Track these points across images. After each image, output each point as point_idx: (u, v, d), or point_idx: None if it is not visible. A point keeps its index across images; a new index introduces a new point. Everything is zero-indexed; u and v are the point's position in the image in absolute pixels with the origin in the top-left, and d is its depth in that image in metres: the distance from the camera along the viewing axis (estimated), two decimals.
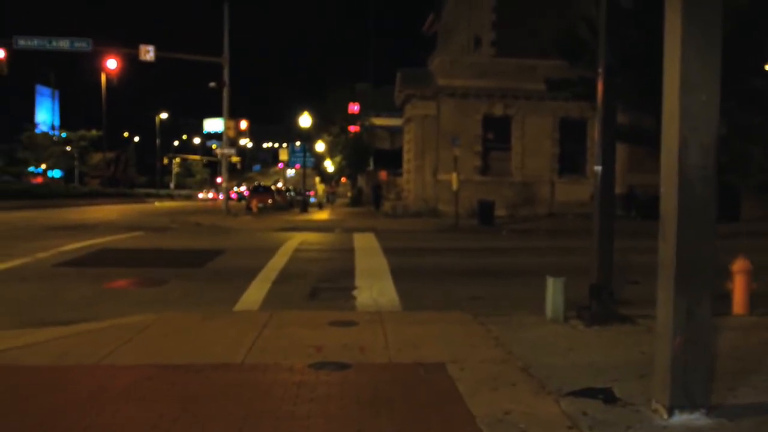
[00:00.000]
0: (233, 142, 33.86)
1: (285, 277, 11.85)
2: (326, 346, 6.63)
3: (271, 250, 15.63)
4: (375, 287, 10.76)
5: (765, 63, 26.50)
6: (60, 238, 18.26)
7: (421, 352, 6.48)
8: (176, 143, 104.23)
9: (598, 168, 8.20)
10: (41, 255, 14.20)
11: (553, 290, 8.26)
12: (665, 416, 4.77)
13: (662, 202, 5.03)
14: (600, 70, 8.23)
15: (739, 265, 8.76)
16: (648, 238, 15.47)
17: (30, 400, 5.07)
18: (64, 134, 55.75)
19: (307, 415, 4.78)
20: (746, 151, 26.82)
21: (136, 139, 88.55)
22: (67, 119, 69.07)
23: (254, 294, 10.10)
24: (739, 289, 8.71)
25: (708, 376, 5.15)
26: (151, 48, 27.40)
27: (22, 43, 27.75)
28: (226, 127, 30.05)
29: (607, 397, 5.28)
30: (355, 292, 10.39)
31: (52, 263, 13.13)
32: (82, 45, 27.81)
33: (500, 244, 19.08)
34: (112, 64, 28.10)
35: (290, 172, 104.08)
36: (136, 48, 27.47)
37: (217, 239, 19.30)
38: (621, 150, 28.66)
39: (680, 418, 4.73)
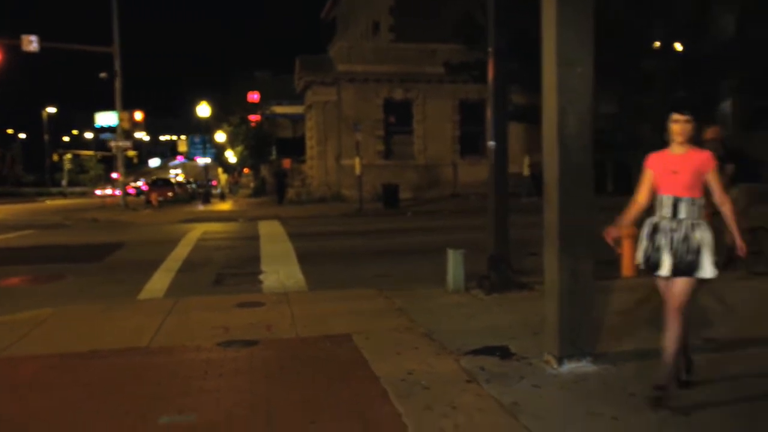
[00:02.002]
0: (128, 135, 32.72)
1: (189, 266, 11.72)
2: (233, 326, 6.69)
3: (173, 242, 15.36)
4: (281, 271, 10.83)
5: (656, 45, 28.00)
6: None
7: (328, 326, 6.65)
8: (67, 138, 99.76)
9: (492, 143, 8.58)
10: None
11: (454, 262, 8.59)
12: (555, 366, 5.15)
13: (545, 170, 5.40)
14: (490, 51, 8.60)
15: (626, 231, 9.37)
16: (536, 213, 16.09)
17: None
18: None
19: (217, 389, 4.86)
20: (638, 130, 28.33)
21: (22, 136, 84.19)
22: None
23: (157, 283, 9.97)
24: (627, 253, 9.31)
25: (595, 330, 5.58)
26: (34, 38, 26.02)
27: None
28: (120, 119, 29.01)
29: (503, 353, 5.62)
30: (261, 277, 10.42)
31: None
32: None
33: (405, 225, 19.46)
34: None
35: (200, 162, 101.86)
36: (18, 38, 26.08)
37: (115, 234, 18.74)
38: (520, 130, 29.71)
39: (569, 366, 5.12)
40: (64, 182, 67.02)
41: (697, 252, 4.19)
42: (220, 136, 53.26)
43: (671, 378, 4.34)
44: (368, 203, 26.98)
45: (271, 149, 49.85)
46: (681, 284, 4.25)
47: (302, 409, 4.43)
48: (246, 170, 59.84)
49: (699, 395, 4.50)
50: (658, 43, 28.57)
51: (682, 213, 4.24)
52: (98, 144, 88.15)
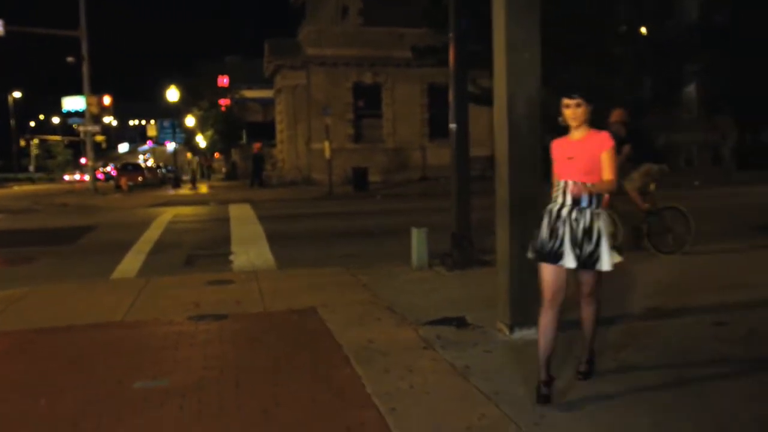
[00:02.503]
0: (97, 120, 32.54)
1: (160, 247, 11.93)
2: (204, 302, 6.98)
3: (143, 225, 15.52)
4: (251, 251, 11.10)
5: (622, 29, 28.47)
6: None
7: (294, 301, 6.96)
8: (33, 124, 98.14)
9: (453, 126, 8.91)
10: None
11: (417, 240, 8.93)
12: (507, 333, 5.53)
13: (496, 149, 5.75)
14: (450, 36, 8.90)
15: None
16: None
17: None
18: None
19: (188, 357, 5.16)
20: (605, 113, 28.85)
21: None
22: None
23: (129, 264, 10.19)
24: None
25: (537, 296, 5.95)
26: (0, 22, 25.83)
27: None
28: (89, 104, 28.85)
29: (460, 323, 5.99)
30: (231, 257, 10.68)
31: None
32: None
33: (374, 207, 19.76)
34: None
35: (170, 147, 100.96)
36: None
37: (86, 218, 18.79)
38: (487, 113, 30.03)
39: (519, 333, 5.50)
40: (31, 168, 66.20)
41: (597, 244, 4.02)
42: (189, 121, 53.01)
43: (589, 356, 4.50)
44: (338, 186, 27.25)
45: (241, 133, 49.81)
46: (589, 275, 4.19)
47: (269, 374, 4.75)
48: (216, 155, 59.64)
49: (631, 357, 4.90)
50: (624, 27, 29.10)
51: (584, 201, 4.04)
52: (65, 129, 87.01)
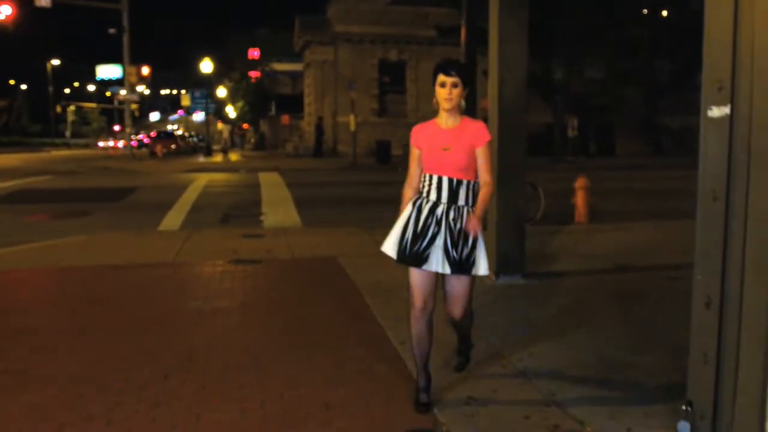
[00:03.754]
0: (134, 89, 33.98)
1: (198, 207, 13.23)
2: (241, 250, 8.22)
3: (181, 188, 16.86)
4: (280, 213, 12.34)
5: (639, 13, 29.11)
6: None
7: (318, 251, 8.17)
8: (68, 91, 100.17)
9: (462, 104, 9.96)
10: None
11: None
12: (493, 279, 6.67)
13: (489, 125, 6.83)
14: (463, 18, 9.90)
15: (580, 183, 10.86)
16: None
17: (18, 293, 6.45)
18: None
19: (231, 288, 6.39)
20: (622, 94, 29.60)
21: (23, 87, 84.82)
22: None
23: (172, 220, 11.49)
24: (579, 201, 10.80)
25: (535, 257, 7.12)
26: None
27: None
28: (128, 74, 30.31)
29: None
30: (262, 217, 11.94)
31: None
32: None
33: (394, 178, 20.82)
34: (6, 10, 27.64)
35: (196, 117, 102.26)
36: None
37: (128, 180, 20.24)
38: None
39: (503, 279, 6.64)
40: (67, 133, 68.24)
41: (474, 246, 3.53)
42: (221, 92, 54.35)
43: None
44: (362, 158, 28.39)
45: (270, 105, 51.03)
46: (460, 283, 3.63)
47: (295, 301, 5.96)
48: (245, 126, 60.98)
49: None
50: (646, 11, 29.71)
51: (461, 199, 3.53)
52: (100, 97, 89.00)
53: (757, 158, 3.02)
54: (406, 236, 3.58)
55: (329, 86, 34.55)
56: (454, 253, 3.50)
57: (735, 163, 3.13)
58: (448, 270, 3.53)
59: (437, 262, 3.53)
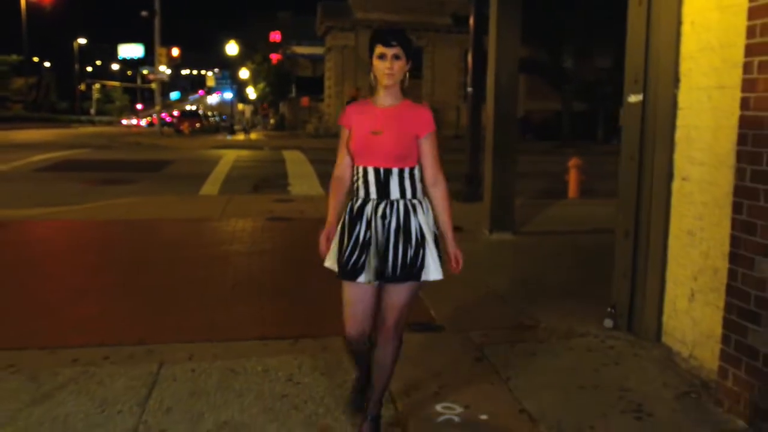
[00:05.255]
0: (164, 69, 35.45)
1: (231, 179, 14.67)
2: (275, 210, 9.63)
3: (212, 162, 18.32)
4: (305, 184, 13.75)
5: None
6: (18, 152, 20.36)
7: None
8: (90, 69, 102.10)
9: (470, 89, 11.27)
10: (15, 164, 16.51)
11: None
12: (488, 234, 8.03)
13: (486, 108, 8.19)
14: (472, 8, 11.10)
15: (572, 162, 12.19)
16: (532, 154, 19.41)
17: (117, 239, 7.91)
18: None
19: (271, 237, 7.80)
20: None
21: (47, 64, 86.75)
22: None
23: (210, 188, 12.94)
24: (572, 179, 12.12)
25: (524, 220, 8.47)
26: None
27: None
28: (159, 54, 31.82)
29: (457, 230, 8.45)
30: (289, 187, 13.36)
31: (30, 169, 15.51)
32: None
33: None
34: None
35: (211, 99, 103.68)
36: None
37: (161, 154, 21.75)
38: (519, 80, 32.08)
39: (496, 235, 7.99)
40: (92, 111, 70.08)
41: (419, 245, 2.89)
42: (244, 73, 55.78)
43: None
44: None
45: (290, 87, 52.36)
46: (403, 293, 2.95)
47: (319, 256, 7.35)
48: (264, 106, 62.38)
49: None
50: None
51: (394, 192, 2.90)
52: (123, 75, 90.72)
53: (659, 130, 4.36)
54: (343, 244, 2.95)
55: (349, 70, 35.90)
56: (395, 257, 2.86)
57: (645, 133, 4.48)
58: (373, 278, 2.91)
59: (370, 272, 2.90)
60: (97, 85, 72.02)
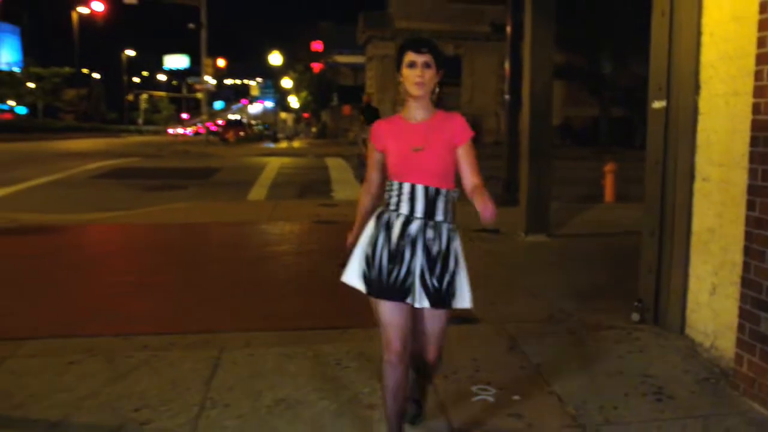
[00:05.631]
0: (210, 80, 36.50)
1: (276, 185, 15.21)
2: (321, 214, 10.06)
3: (258, 169, 18.93)
4: (347, 190, 14.20)
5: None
6: (74, 160, 21.30)
7: None
8: (137, 80, 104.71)
9: (507, 96, 11.59)
10: (72, 171, 17.35)
11: None
12: (523, 236, 8.33)
13: (522, 114, 8.50)
14: (509, 16, 11.42)
15: (608, 167, 12.41)
16: (570, 160, 19.54)
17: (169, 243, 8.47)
18: (24, 70, 57.07)
19: (317, 238, 8.23)
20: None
21: (96, 76, 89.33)
22: (27, 57, 69.82)
23: (257, 193, 13.48)
24: (608, 183, 12.34)
25: (559, 223, 8.75)
26: None
27: None
28: (205, 65, 32.81)
29: (495, 232, 8.81)
30: (332, 193, 13.82)
31: (87, 176, 16.30)
32: None
33: None
34: (98, 6, 30.35)
35: (253, 108, 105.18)
36: None
37: (209, 161, 22.49)
38: (558, 86, 32.17)
39: (531, 237, 8.29)
40: (140, 121, 72.14)
41: (455, 272, 2.84)
42: (287, 83, 56.81)
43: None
44: None
45: (332, 96, 53.12)
46: (442, 319, 2.96)
47: None
48: (305, 115, 63.32)
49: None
50: None
51: (440, 213, 2.82)
52: (169, 86, 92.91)
53: (681, 134, 4.65)
54: (377, 261, 2.80)
55: (390, 79, 36.35)
56: (434, 282, 2.78)
57: (668, 137, 4.78)
58: (426, 303, 2.80)
59: (415, 295, 2.79)
60: (144, 96, 74.05)
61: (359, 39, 40.92)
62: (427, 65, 2.79)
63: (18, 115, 57.84)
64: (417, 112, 2.86)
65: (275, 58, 39.77)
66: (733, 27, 4.13)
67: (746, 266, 3.75)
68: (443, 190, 2.82)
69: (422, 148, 2.79)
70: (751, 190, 3.72)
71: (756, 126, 3.68)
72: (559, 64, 28.41)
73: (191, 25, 32.22)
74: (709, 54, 4.41)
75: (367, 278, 2.85)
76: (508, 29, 11.42)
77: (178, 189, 14.08)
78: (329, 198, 13.02)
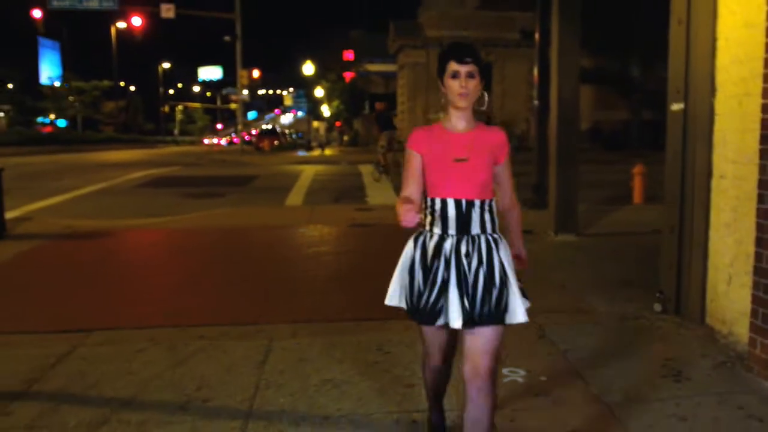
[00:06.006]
0: (245, 90, 37.32)
1: (312, 191, 15.66)
2: (357, 218, 10.45)
3: (294, 176, 19.43)
4: (381, 195, 14.58)
5: None
6: (116, 170, 22.05)
7: None
8: (172, 91, 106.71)
9: (536, 102, 11.87)
10: (116, 181, 18.02)
11: None
12: (553, 236, 8.62)
13: (549, 120, 8.80)
14: (537, 24, 11.70)
15: (637, 170, 12.61)
16: (600, 164, 19.69)
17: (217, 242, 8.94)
18: (67, 84, 58.76)
19: (355, 240, 8.62)
20: None
21: (132, 88, 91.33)
22: (67, 72, 71.72)
23: (294, 199, 13.93)
24: (636, 185, 12.54)
25: (588, 223, 9.02)
26: (171, 6, 30.68)
27: (56, 3, 30.97)
28: (241, 76, 33.61)
29: (527, 232, 9.08)
30: (367, 198, 14.21)
31: (131, 185, 16.95)
32: (109, 4, 31.09)
33: None
34: (137, 21, 31.32)
35: (284, 118, 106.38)
36: (158, 6, 30.73)
37: (245, 170, 23.10)
38: (587, 90, 32.26)
39: (561, 237, 8.58)
40: (176, 131, 73.66)
41: (503, 284, 2.68)
42: (319, 92, 57.62)
43: None
44: None
45: (364, 104, 53.68)
46: (490, 337, 2.69)
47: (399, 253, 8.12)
48: (337, 123, 63.98)
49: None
50: None
51: (475, 226, 2.70)
52: (203, 97, 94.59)
53: (699, 134, 4.93)
54: (416, 284, 2.75)
55: (421, 87, 36.88)
56: (471, 301, 2.64)
57: (687, 137, 5.06)
58: (458, 324, 2.64)
59: (448, 315, 2.66)
60: (180, 107, 75.56)
61: (390, 48, 41.46)
62: (470, 75, 2.69)
63: (58, 128, 59.46)
64: (459, 122, 2.77)
65: (308, 68, 40.47)
66: (745, 32, 4.42)
67: (758, 256, 4.03)
68: (478, 202, 2.70)
69: (467, 159, 2.70)
70: (762, 184, 4.01)
71: (765, 125, 3.97)
72: (589, 68, 28.60)
73: (227, 38, 32.99)
74: (723, 58, 4.70)
75: (409, 299, 2.81)
76: (536, 36, 11.70)
77: (218, 196, 14.60)
78: (364, 203, 13.40)
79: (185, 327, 5.08)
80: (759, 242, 4.03)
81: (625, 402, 3.74)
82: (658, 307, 5.29)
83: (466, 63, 2.68)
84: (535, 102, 11.83)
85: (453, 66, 2.69)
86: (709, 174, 4.83)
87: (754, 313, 4.07)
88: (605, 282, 6.28)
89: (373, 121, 19.93)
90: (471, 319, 2.65)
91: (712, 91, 4.79)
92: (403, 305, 2.84)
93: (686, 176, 5.06)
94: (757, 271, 4.04)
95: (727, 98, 4.65)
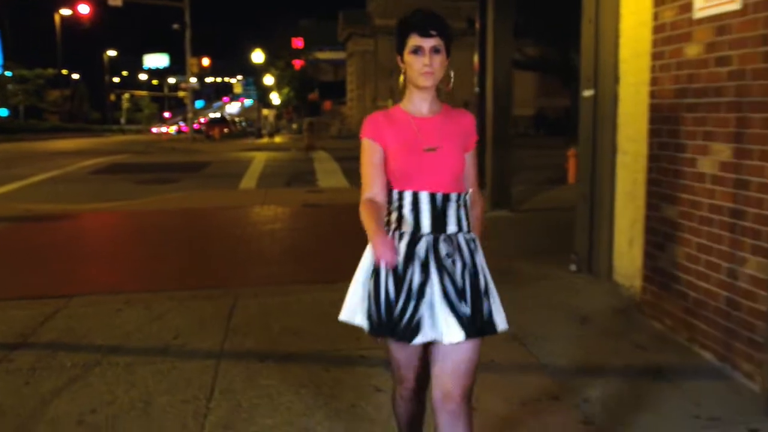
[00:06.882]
0: (193, 79, 37.34)
1: (265, 176, 16.19)
2: (308, 200, 11.08)
3: (246, 163, 19.89)
4: (331, 179, 15.23)
5: None
6: (67, 159, 22.12)
7: None
8: (117, 80, 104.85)
9: (476, 89, 12.60)
10: (69, 168, 18.21)
11: None
12: (489, 211, 9.39)
13: (486, 104, 9.56)
14: (478, 14, 12.41)
15: (571, 152, 13.51)
16: (543, 148, 20.52)
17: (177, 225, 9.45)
18: (9, 73, 57.40)
19: (306, 219, 9.26)
20: None
21: (75, 76, 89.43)
22: (8, 60, 69.92)
23: (248, 183, 14.47)
24: (571, 167, 13.44)
25: (522, 199, 9.83)
26: None
27: None
28: (190, 64, 33.65)
29: None
30: (318, 182, 14.83)
31: (84, 172, 17.20)
32: None
33: None
34: (84, 9, 31.09)
35: (231, 108, 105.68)
36: None
37: (197, 157, 23.41)
38: (532, 78, 33.40)
39: (495, 212, 9.33)
40: (122, 120, 72.63)
41: (486, 291, 2.33)
42: (268, 80, 57.62)
43: None
44: None
45: (314, 92, 54.03)
46: (472, 351, 2.29)
47: (347, 227, 8.81)
48: (289, 110, 64.04)
49: None
50: None
51: (451, 224, 2.32)
52: (149, 85, 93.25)
53: (606, 117, 5.73)
54: (382, 294, 2.28)
55: (370, 74, 37.55)
56: (460, 308, 2.24)
57: (596, 119, 5.86)
58: (459, 335, 2.22)
59: (433, 327, 2.24)
60: (126, 95, 74.53)
61: (339, 36, 42.01)
62: (436, 50, 2.24)
63: (0, 117, 58.09)
64: (423, 104, 2.35)
65: (257, 56, 40.64)
66: (640, 31, 5.20)
67: (647, 218, 4.84)
68: (454, 195, 2.31)
69: (437, 148, 2.29)
70: (650, 158, 4.81)
71: (653, 108, 4.77)
72: (534, 57, 29.64)
73: (176, 26, 32.99)
74: (625, 52, 5.48)
75: (370, 315, 2.30)
76: (477, 26, 12.41)
77: (173, 182, 15.00)
78: (315, 186, 14.02)
79: (156, 291, 5.66)
80: (649, 206, 4.84)
81: (536, 340, 4.49)
82: (573, 267, 6.10)
83: (431, 36, 2.23)
84: (476, 89, 12.55)
85: (415, 40, 2.25)
86: (614, 150, 5.62)
87: (645, 266, 4.88)
88: (533, 250, 7.08)
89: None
90: (474, 330, 2.24)
91: (616, 79, 5.57)
92: (364, 324, 2.34)
93: (596, 152, 5.86)
94: (647, 230, 4.85)
95: (628, 86, 5.44)
